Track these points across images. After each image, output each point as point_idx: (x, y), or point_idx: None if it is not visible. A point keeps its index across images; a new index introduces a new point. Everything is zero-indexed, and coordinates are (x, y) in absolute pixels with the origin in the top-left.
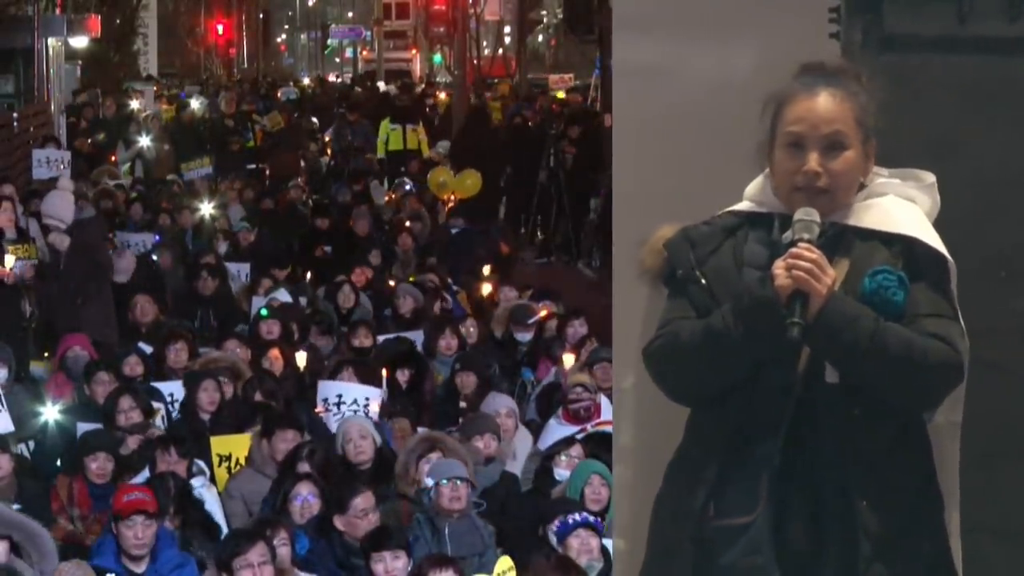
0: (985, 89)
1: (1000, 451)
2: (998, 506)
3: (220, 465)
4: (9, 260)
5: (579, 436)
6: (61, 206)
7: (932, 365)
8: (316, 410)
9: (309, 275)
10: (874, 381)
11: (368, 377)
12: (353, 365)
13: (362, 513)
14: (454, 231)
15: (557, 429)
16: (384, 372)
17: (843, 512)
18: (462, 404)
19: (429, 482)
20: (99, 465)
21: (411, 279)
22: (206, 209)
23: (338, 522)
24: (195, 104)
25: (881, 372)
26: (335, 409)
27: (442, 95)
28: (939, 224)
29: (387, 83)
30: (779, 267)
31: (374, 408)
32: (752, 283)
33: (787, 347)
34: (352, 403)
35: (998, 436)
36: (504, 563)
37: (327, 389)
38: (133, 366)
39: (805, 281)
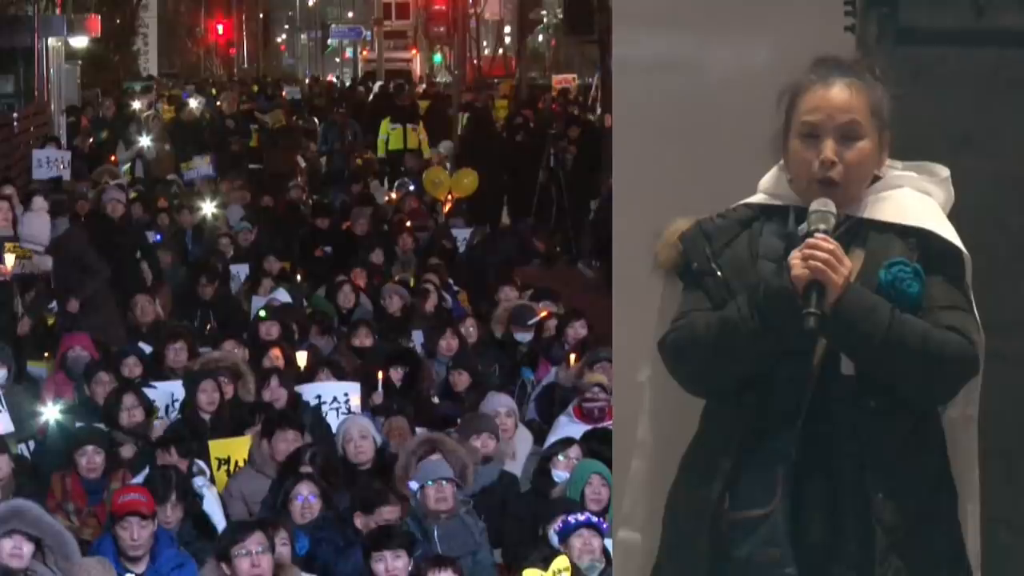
0: (1002, 82)
1: (1019, 444)
2: (1016, 499)
3: (219, 469)
4: (9, 259)
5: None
6: (37, 227)
7: (948, 357)
8: None
9: (300, 276)
10: (889, 372)
11: (344, 374)
12: (328, 365)
13: (385, 522)
14: (456, 233)
15: (568, 427)
16: (380, 372)
17: (859, 504)
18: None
19: (414, 486)
20: (88, 459)
21: (396, 278)
22: (208, 208)
23: (358, 520)
24: (193, 104)
25: (897, 363)
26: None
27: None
28: (956, 217)
29: (387, 83)
30: (795, 257)
31: (354, 402)
32: (768, 274)
33: (803, 338)
34: (332, 401)
35: (1017, 429)
36: (560, 562)
37: (305, 393)
38: (132, 367)
39: (822, 272)
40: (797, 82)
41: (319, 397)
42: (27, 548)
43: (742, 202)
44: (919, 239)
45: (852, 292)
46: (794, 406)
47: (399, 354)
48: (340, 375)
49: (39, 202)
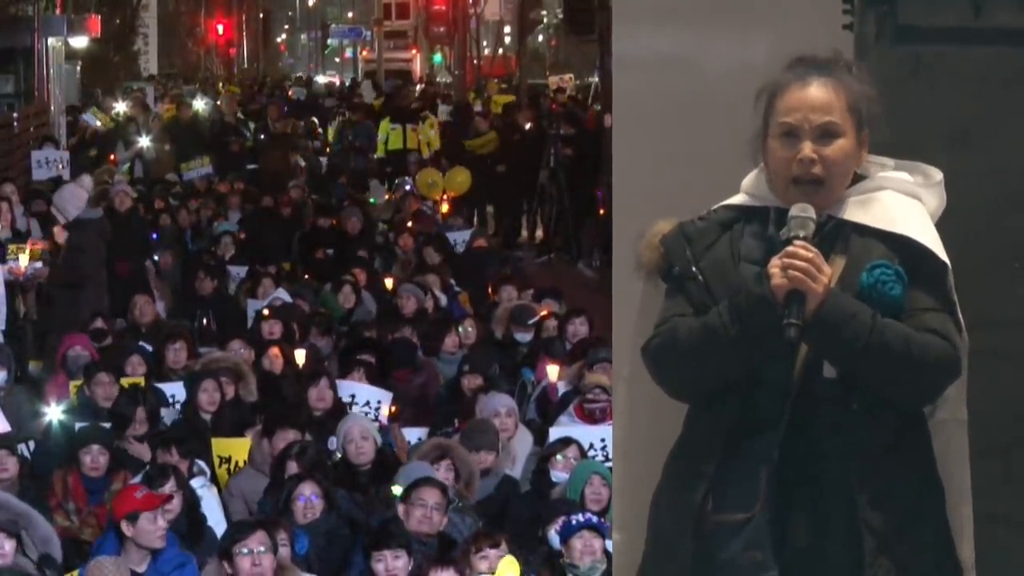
0: (1000, 79)
1: (1016, 442)
2: (1014, 497)
3: (220, 466)
4: (23, 260)
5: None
6: (68, 199)
7: (930, 361)
8: None
9: (305, 276)
10: (873, 377)
11: (376, 378)
12: (364, 366)
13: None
14: (455, 236)
15: (570, 427)
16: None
17: (844, 507)
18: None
19: (397, 490)
20: (92, 458)
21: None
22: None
23: (400, 508)
24: (197, 104)
25: (880, 368)
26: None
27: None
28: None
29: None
30: (775, 266)
31: (384, 411)
32: (749, 281)
33: (785, 344)
34: (364, 404)
35: (1014, 427)
36: (508, 564)
37: (341, 388)
38: (135, 366)
39: (801, 281)
40: (774, 82)
41: (353, 396)
42: (8, 545)
43: (722, 203)
44: (901, 242)
45: (833, 299)
46: (777, 408)
47: (361, 343)
48: (372, 378)
49: (85, 180)
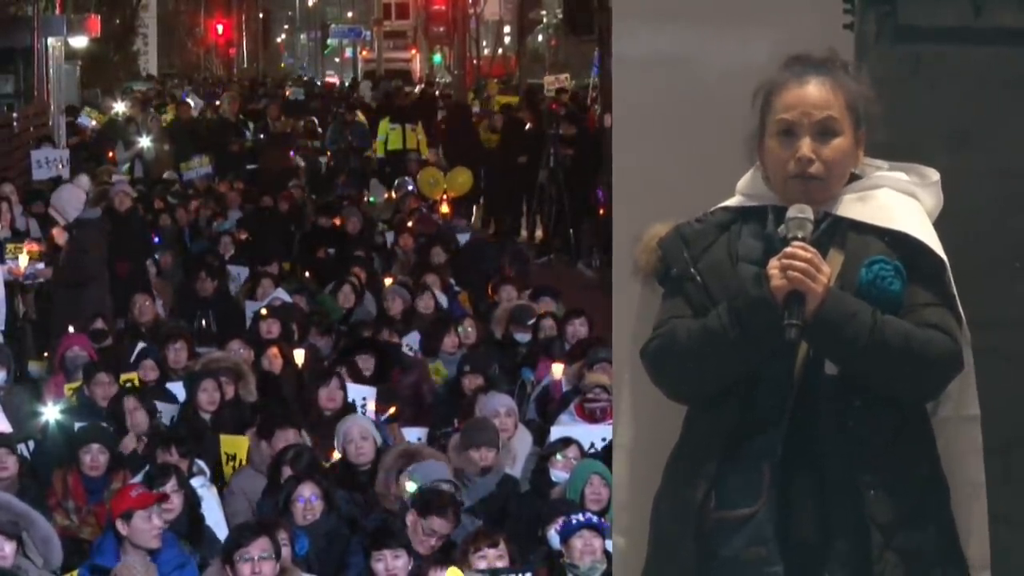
0: (1000, 80)
1: (1016, 442)
2: (1014, 497)
3: (227, 463)
4: (23, 260)
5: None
6: (68, 200)
7: (932, 356)
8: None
9: (306, 275)
10: (875, 375)
11: (361, 376)
12: (347, 365)
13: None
14: (461, 235)
15: (570, 426)
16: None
17: (849, 503)
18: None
19: (411, 487)
20: (92, 457)
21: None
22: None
23: (409, 516)
24: (192, 104)
25: (881, 365)
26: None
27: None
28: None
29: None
30: (774, 267)
31: (370, 407)
32: (748, 282)
33: (784, 345)
34: (351, 402)
35: (1015, 426)
36: (453, 574)
37: None
38: (148, 370)
39: (801, 282)
40: (771, 81)
41: None
42: (8, 547)
43: (720, 205)
44: (898, 238)
45: (832, 299)
46: (779, 405)
47: (361, 343)
48: (357, 377)
49: (82, 180)
